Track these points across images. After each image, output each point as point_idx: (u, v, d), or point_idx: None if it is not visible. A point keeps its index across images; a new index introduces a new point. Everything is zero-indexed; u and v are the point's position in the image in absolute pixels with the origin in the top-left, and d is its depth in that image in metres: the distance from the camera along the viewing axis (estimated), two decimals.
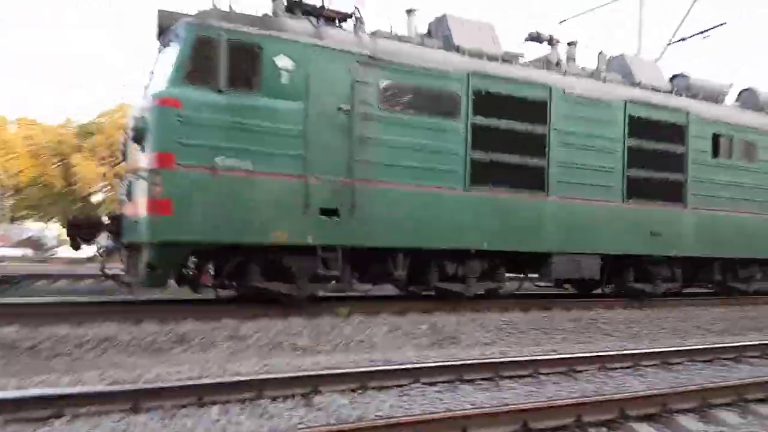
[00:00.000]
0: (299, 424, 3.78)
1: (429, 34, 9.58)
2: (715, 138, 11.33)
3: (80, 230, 7.65)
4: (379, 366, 5.27)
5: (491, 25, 9.86)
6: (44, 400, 3.80)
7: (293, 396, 4.36)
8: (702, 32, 17.17)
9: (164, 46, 7.95)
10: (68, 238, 7.82)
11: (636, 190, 10.28)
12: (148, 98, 7.41)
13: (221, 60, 7.29)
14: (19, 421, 3.57)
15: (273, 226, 7.43)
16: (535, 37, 10.66)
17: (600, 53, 11.03)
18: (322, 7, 8.55)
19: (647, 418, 4.09)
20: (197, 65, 7.25)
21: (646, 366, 5.97)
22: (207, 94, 7.19)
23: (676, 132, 10.83)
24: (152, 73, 8.24)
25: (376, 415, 3.98)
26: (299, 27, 7.89)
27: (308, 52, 7.76)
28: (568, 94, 9.68)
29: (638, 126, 10.37)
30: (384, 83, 8.24)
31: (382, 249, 8.28)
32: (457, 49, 9.08)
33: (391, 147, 8.23)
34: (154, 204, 6.88)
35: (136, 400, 3.89)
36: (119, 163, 10.53)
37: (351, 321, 7.63)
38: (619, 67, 11.09)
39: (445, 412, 3.96)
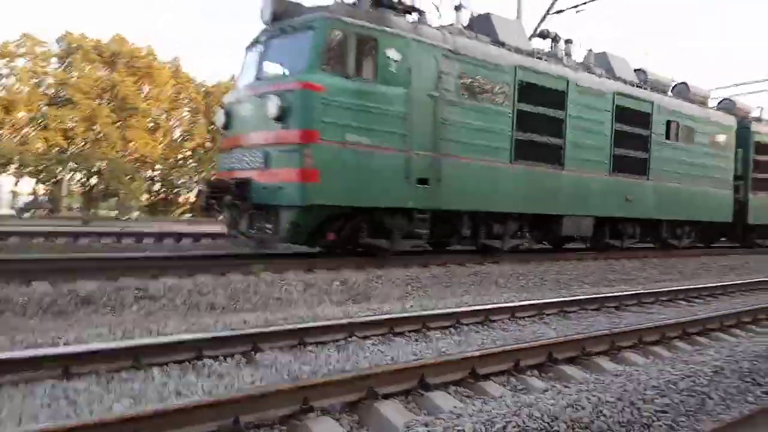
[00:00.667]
0: (252, 382, 3.87)
1: (471, 28, 11.25)
2: (668, 124, 14.24)
3: (217, 193, 8.69)
4: (316, 323, 5.26)
5: (520, 23, 11.78)
6: None
7: (233, 355, 4.34)
8: (575, 6, 18.19)
9: (284, 33, 9.02)
10: (203, 202, 8.82)
11: (618, 165, 12.89)
12: (290, 81, 8.51)
13: (350, 51, 8.60)
14: None
15: (386, 192, 8.99)
16: (545, 35, 12.79)
17: (589, 50, 13.39)
18: (400, 2, 9.95)
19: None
20: (332, 55, 8.50)
21: (549, 314, 6.77)
22: (340, 80, 8.48)
23: (645, 118, 13.56)
24: (263, 53, 9.26)
25: (329, 369, 4.21)
26: (402, 23, 9.33)
27: (409, 45, 9.23)
28: (579, 86, 11.92)
29: (621, 113, 12.93)
30: (460, 74, 9.92)
31: (454, 211, 10.12)
32: (503, 45, 10.92)
33: (465, 128, 9.99)
34: (306, 173, 8.16)
35: (66, 365, 3.72)
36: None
37: (264, 279, 7.59)
38: (603, 63, 13.52)
39: (408, 361, 4.25)
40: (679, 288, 9.08)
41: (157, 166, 36.09)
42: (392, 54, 9.04)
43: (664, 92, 14.86)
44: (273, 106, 8.36)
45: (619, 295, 8.02)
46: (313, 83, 8.26)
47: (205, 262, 8.45)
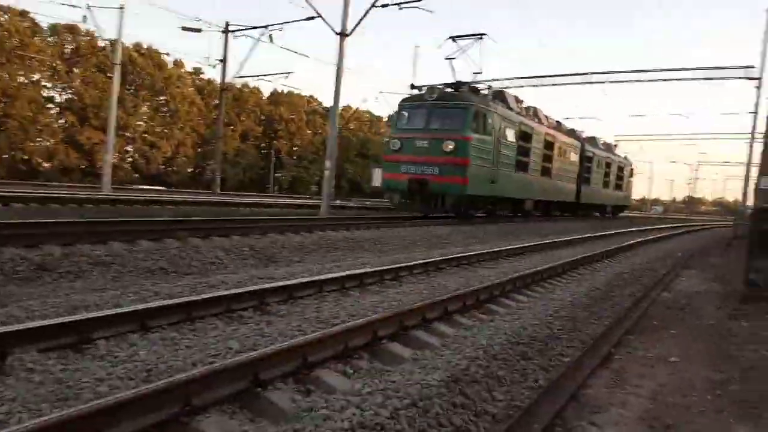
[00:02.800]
0: (230, 338, 4.41)
1: (494, 97, 20.58)
2: (556, 147, 25.40)
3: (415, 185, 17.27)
4: (282, 282, 6.21)
5: (515, 95, 21.61)
6: None
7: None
8: (399, 3, 19.47)
9: (444, 106, 17.70)
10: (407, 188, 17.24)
11: (544, 172, 23.65)
12: (457, 134, 17.23)
13: (479, 119, 17.54)
14: None
15: (486, 188, 18.24)
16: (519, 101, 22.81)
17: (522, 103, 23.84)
18: (480, 89, 19.12)
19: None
20: (474, 121, 17.36)
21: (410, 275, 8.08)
22: (476, 135, 17.50)
23: (549, 145, 24.50)
24: (428, 114, 17.65)
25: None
26: (492, 104, 18.48)
27: (493, 116, 18.39)
28: (535, 131, 22.25)
29: (546, 143, 23.70)
30: (505, 127, 19.39)
31: (504, 198, 19.79)
32: (511, 109, 20.62)
33: (507, 155, 19.55)
34: (465, 179, 17.46)
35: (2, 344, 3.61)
36: None
37: (188, 244, 8.42)
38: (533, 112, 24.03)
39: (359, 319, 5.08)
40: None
41: None
42: (489, 120, 18.11)
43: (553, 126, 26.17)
44: (449, 145, 16.86)
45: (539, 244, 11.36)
46: (468, 136, 17.02)
47: None
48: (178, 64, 59.40)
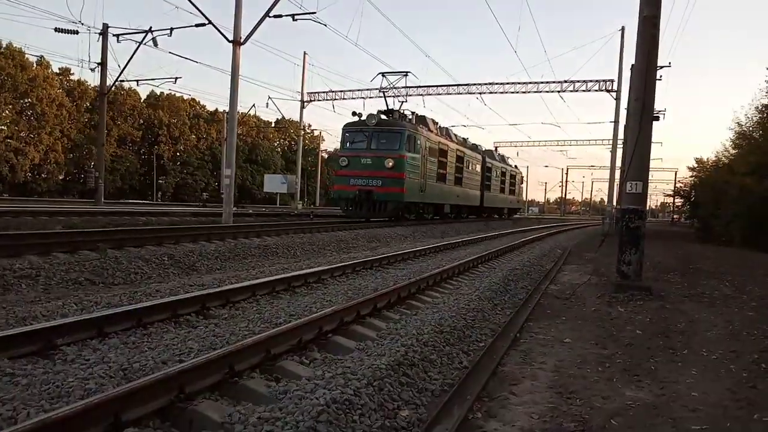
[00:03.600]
0: (188, 339, 4.69)
1: (417, 120, 23.96)
2: (465, 161, 28.02)
3: (362, 195, 20.73)
4: (218, 288, 6.62)
5: (432, 118, 24.17)
6: None
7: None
8: (293, 15, 20.26)
9: (383, 131, 21.64)
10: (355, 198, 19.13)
11: (457, 182, 25.96)
12: (396, 153, 21.21)
13: (410, 141, 20.30)
14: None
15: (417, 195, 22.78)
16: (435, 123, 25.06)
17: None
18: (407, 115, 21.32)
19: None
20: (407, 143, 21.61)
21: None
22: (409, 153, 21.94)
23: (461, 160, 27.12)
24: (370, 137, 21.71)
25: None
26: (419, 128, 21.04)
27: (421, 137, 20.32)
28: (459, 149, 24.54)
29: (459, 159, 26.08)
30: (429, 146, 21.03)
31: (429, 203, 24.48)
32: (431, 131, 22.85)
33: (429, 170, 21.42)
34: (403, 189, 21.46)
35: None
36: None
37: (109, 255, 8.53)
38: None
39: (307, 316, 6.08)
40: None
41: None
42: (418, 141, 20.18)
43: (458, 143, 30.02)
44: (390, 162, 20.12)
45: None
46: (404, 155, 21.26)
47: None
48: (43, 64, 55.48)
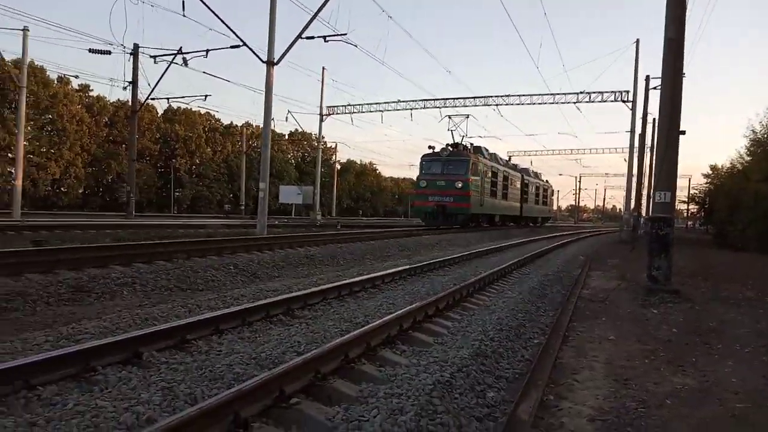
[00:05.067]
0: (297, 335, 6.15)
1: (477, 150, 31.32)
2: (508, 178, 31.02)
3: (439, 209, 28.48)
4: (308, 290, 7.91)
5: (486, 148, 26.96)
6: None
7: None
8: (324, 36, 21.05)
9: (452, 159, 28.70)
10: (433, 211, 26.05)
11: (504, 196, 29.87)
12: (463, 176, 28.21)
13: (474, 166, 28.81)
14: None
15: (481, 208, 30.07)
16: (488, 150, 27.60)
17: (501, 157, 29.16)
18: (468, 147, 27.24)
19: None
20: (471, 168, 28.54)
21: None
22: (474, 177, 28.83)
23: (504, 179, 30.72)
24: (444, 164, 28.84)
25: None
26: (478, 156, 29.89)
27: (480, 163, 29.49)
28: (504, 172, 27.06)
29: (502, 177, 28.64)
30: (484, 170, 26.89)
31: (489, 214, 32.24)
32: (486, 158, 25.33)
33: (486, 188, 30.20)
34: (468, 204, 28.48)
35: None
36: None
37: (184, 265, 9.33)
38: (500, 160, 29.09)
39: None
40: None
41: None
42: (478, 167, 28.76)
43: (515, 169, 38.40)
44: (459, 183, 27.98)
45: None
46: (469, 178, 28.34)
47: None
48: (64, 81, 56.79)
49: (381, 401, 3.85)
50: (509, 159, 41.95)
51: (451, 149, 29.21)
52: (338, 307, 7.25)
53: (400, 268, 10.46)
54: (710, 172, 44.24)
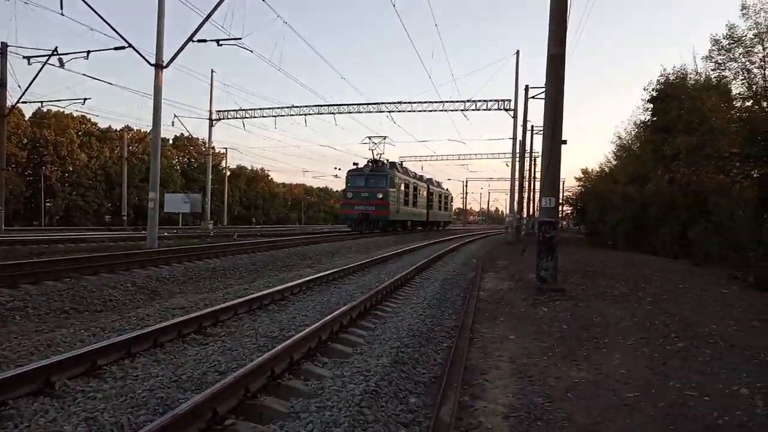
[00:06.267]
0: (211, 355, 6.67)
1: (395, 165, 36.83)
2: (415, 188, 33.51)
3: (362, 217, 31.40)
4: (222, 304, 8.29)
5: (401, 163, 28.19)
6: None
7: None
8: (218, 40, 20.95)
9: (374, 174, 33.16)
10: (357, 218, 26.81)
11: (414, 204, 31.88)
12: (384, 189, 32.75)
13: (392, 180, 33.51)
14: None
15: (396, 215, 34.41)
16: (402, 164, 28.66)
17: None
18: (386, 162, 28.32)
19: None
20: (390, 182, 33.09)
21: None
22: (392, 189, 33.39)
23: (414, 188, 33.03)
24: (367, 178, 33.23)
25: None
26: (395, 171, 34.66)
27: (396, 177, 33.68)
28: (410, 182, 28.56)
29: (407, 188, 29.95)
30: (398, 182, 31.79)
31: (401, 221, 36.99)
32: (400, 171, 27.64)
33: (399, 197, 34.00)
34: (388, 212, 32.99)
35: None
36: None
37: (76, 284, 8.96)
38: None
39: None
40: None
41: None
42: (395, 180, 33.61)
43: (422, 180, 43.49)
44: (380, 194, 32.36)
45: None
46: (388, 190, 32.99)
47: None
48: None
49: (314, 415, 3.94)
50: (403, 165, 44.58)
51: (372, 165, 34.11)
52: (251, 322, 7.20)
53: (307, 278, 10.50)
54: (582, 175, 47.82)
